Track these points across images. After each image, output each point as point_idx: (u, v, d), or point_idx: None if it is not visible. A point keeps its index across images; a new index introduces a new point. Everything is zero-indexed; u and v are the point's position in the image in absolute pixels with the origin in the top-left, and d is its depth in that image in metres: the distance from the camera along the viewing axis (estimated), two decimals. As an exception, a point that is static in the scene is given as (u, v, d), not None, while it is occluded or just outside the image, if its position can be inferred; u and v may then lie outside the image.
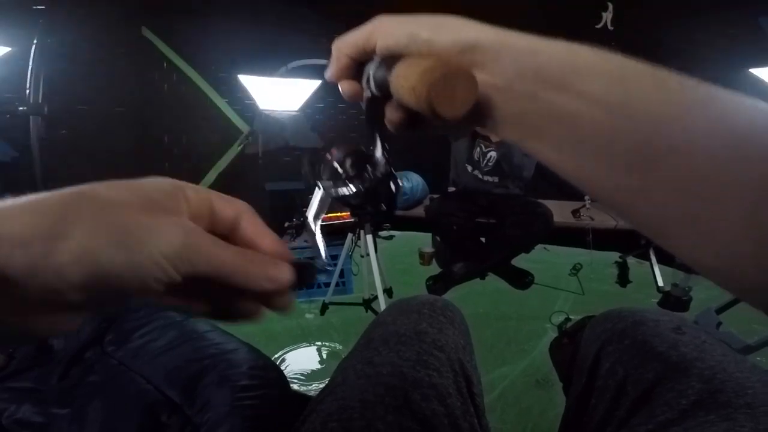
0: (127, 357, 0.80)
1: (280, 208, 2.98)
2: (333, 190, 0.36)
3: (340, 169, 0.38)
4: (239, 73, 2.83)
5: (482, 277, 2.40)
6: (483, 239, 2.35)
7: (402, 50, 0.28)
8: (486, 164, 2.32)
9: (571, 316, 1.91)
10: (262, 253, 0.26)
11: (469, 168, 2.38)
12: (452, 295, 2.24)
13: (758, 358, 1.62)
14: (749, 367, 0.46)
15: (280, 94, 2.96)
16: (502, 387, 1.58)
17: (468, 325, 0.68)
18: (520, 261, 2.34)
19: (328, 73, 0.34)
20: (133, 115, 2.49)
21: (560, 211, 2.34)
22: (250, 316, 0.27)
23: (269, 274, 0.25)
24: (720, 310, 1.83)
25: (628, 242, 2.56)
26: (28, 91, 1.80)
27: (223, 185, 2.87)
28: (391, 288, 2.18)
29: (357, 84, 0.33)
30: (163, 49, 2.54)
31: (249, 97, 2.91)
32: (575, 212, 2.39)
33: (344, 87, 0.34)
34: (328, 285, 2.19)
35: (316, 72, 2.92)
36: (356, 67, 0.33)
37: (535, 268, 2.34)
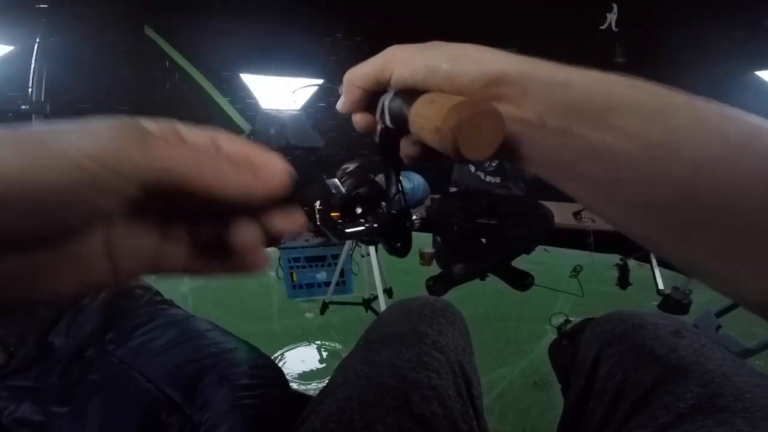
0: (128, 355, 0.81)
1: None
2: (340, 226, 0.33)
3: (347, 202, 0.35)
4: (241, 72, 2.84)
5: (482, 278, 2.40)
6: (483, 240, 2.34)
7: (419, 83, 0.26)
8: (489, 165, 2.32)
9: (570, 318, 1.91)
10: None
11: (472, 168, 2.38)
12: (452, 295, 2.24)
13: (757, 362, 1.62)
14: (748, 371, 0.46)
15: (281, 93, 2.97)
16: (500, 388, 1.58)
17: (468, 326, 0.68)
18: (520, 262, 2.34)
19: (340, 106, 0.33)
20: (136, 114, 2.46)
21: (561, 213, 2.34)
22: (249, 255, 0.24)
23: (255, 168, 0.21)
24: (720, 314, 1.83)
25: (628, 244, 2.56)
26: (30, 90, 1.80)
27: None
28: (391, 288, 2.19)
29: (371, 116, 0.32)
30: (166, 48, 2.54)
31: (251, 96, 2.91)
32: (576, 214, 2.39)
33: (357, 119, 0.33)
34: (328, 284, 2.19)
35: (318, 72, 2.92)
36: (369, 99, 0.31)
37: (535, 270, 2.34)
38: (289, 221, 0.25)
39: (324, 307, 2.13)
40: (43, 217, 0.17)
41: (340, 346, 1.88)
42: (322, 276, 2.35)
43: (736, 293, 0.21)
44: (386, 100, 0.29)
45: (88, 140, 0.17)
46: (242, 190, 0.21)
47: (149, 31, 2.47)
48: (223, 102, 2.81)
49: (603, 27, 2.64)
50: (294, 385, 1.59)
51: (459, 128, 0.23)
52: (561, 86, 0.23)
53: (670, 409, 0.44)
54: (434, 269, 2.60)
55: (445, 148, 0.24)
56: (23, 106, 1.79)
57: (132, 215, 0.20)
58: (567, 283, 2.47)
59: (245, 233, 0.23)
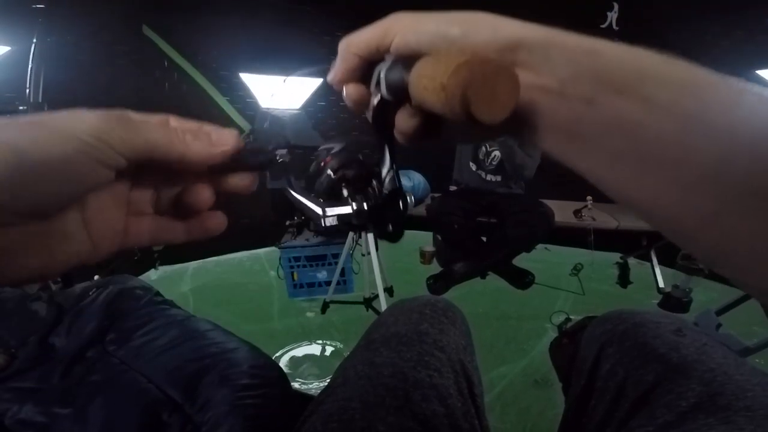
0: (129, 356, 0.81)
1: (281, 207, 2.98)
2: (328, 208, 0.32)
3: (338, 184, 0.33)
4: (240, 72, 2.83)
5: (483, 277, 2.40)
6: (484, 238, 2.34)
7: (424, 49, 0.24)
8: (490, 163, 2.32)
9: (571, 317, 1.91)
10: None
11: (473, 167, 2.38)
12: (453, 294, 2.24)
13: (757, 360, 1.62)
14: (749, 370, 0.46)
15: (281, 93, 2.96)
16: (501, 386, 1.58)
17: (468, 324, 0.68)
18: (520, 260, 2.34)
19: (332, 75, 0.30)
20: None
21: (562, 211, 2.34)
22: (205, 216, 0.30)
23: (210, 137, 0.27)
24: (720, 312, 1.83)
25: (629, 243, 2.56)
26: (28, 91, 1.80)
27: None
28: (391, 287, 2.19)
29: (364, 88, 0.30)
30: (164, 48, 2.53)
31: (250, 96, 2.91)
32: (577, 212, 2.39)
33: (350, 91, 0.30)
34: (328, 284, 2.19)
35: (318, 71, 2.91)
36: (365, 69, 0.29)
37: (535, 268, 2.34)
38: (240, 179, 0.30)
39: (325, 307, 2.14)
40: (50, 186, 0.21)
41: (341, 346, 1.88)
42: (322, 275, 2.35)
43: (759, 286, 0.20)
44: (383, 69, 0.27)
45: (86, 123, 0.21)
46: (202, 153, 0.26)
47: (147, 31, 2.46)
48: (222, 101, 2.80)
49: (603, 26, 2.64)
50: (295, 385, 1.59)
51: (469, 84, 0.20)
52: (586, 54, 0.22)
53: (672, 408, 0.44)
54: (435, 268, 2.60)
55: (452, 108, 0.21)
56: (21, 107, 1.79)
57: (110, 188, 0.25)
58: (567, 281, 2.47)
59: (200, 193, 0.29)
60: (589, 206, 2.40)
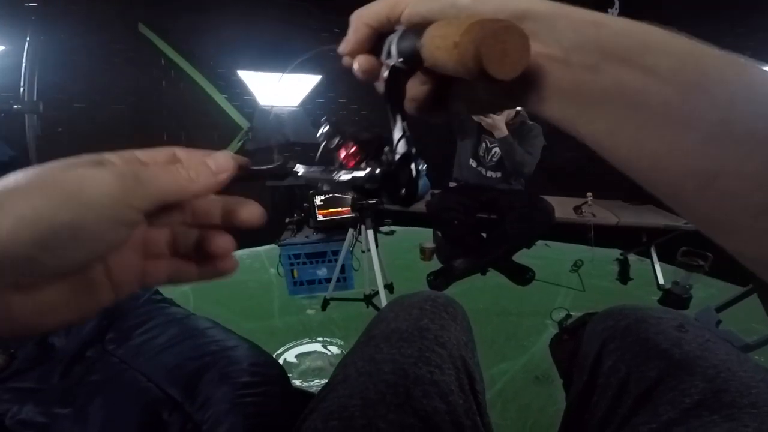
0: (128, 355, 0.80)
1: (280, 204, 2.98)
2: (343, 172, 0.33)
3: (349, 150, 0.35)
4: (238, 69, 2.82)
5: (483, 273, 2.40)
6: (484, 235, 2.34)
7: (435, 18, 0.25)
8: (490, 160, 2.32)
9: (571, 313, 1.91)
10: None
11: (474, 164, 2.37)
12: (453, 290, 2.24)
13: (757, 357, 1.62)
14: (753, 366, 0.46)
15: (279, 90, 2.95)
16: (502, 383, 1.59)
17: (469, 320, 0.68)
18: (521, 257, 2.34)
19: (343, 46, 0.31)
20: (131, 113, 2.48)
21: (562, 207, 2.33)
22: (221, 260, 0.31)
23: (208, 163, 0.27)
24: (719, 309, 1.83)
25: (629, 239, 2.56)
26: (22, 90, 1.79)
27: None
28: (392, 283, 2.19)
29: (375, 59, 0.31)
30: (161, 46, 2.52)
31: (248, 93, 2.90)
32: (577, 208, 2.39)
33: (361, 61, 0.31)
34: (329, 281, 2.19)
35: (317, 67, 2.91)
36: (376, 41, 0.30)
37: (536, 264, 2.34)
38: (249, 213, 0.31)
39: (325, 304, 2.14)
40: (76, 249, 0.22)
41: (342, 343, 1.88)
42: (322, 272, 2.35)
43: (756, 252, 0.20)
44: (395, 38, 0.28)
45: (103, 187, 0.22)
46: (209, 185, 0.27)
47: (143, 29, 2.44)
48: (220, 99, 2.79)
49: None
50: (295, 383, 1.59)
51: (482, 41, 0.21)
52: (591, 24, 0.23)
53: (675, 405, 0.44)
54: (435, 264, 2.60)
55: (465, 66, 0.22)
56: (15, 106, 1.78)
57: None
58: (567, 277, 2.47)
59: (219, 240, 0.30)
60: (589, 202, 2.40)
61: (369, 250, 1.90)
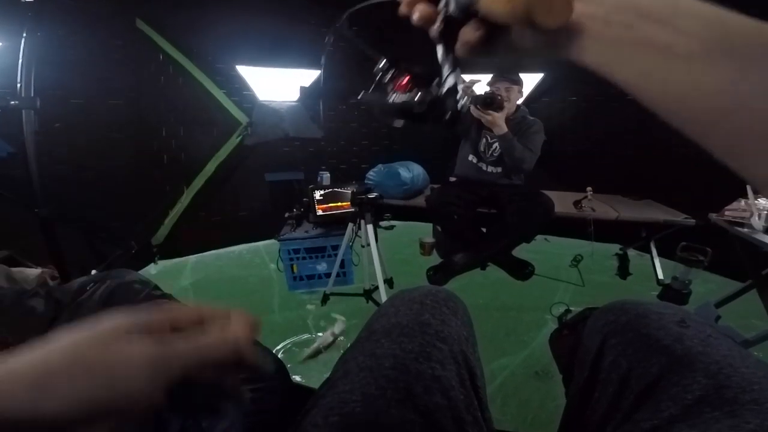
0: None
1: (279, 199, 2.97)
2: (395, 96, 0.40)
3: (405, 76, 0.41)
4: (237, 64, 2.80)
5: (483, 268, 2.40)
6: (483, 229, 2.34)
7: None
8: (491, 155, 2.31)
9: (571, 308, 1.91)
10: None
11: (474, 159, 2.37)
12: (452, 285, 2.24)
13: (756, 353, 1.62)
14: (755, 362, 0.45)
15: (278, 85, 2.94)
16: (502, 378, 1.59)
17: (470, 315, 0.67)
18: (520, 251, 2.34)
19: None
20: (129, 108, 2.46)
21: (562, 202, 2.33)
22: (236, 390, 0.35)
23: (225, 337, 0.31)
24: (719, 304, 1.84)
25: (628, 234, 2.56)
26: (19, 86, 1.78)
27: (222, 176, 2.86)
28: (391, 278, 2.19)
29: (432, 8, 0.35)
30: (159, 41, 2.50)
31: (247, 88, 2.88)
32: (577, 203, 2.38)
33: (420, 10, 0.35)
34: (328, 276, 2.19)
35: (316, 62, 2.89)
36: None
37: (535, 259, 2.35)
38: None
39: (325, 299, 2.14)
40: (105, 415, 0.26)
41: (342, 338, 1.88)
42: (322, 267, 2.34)
43: None
44: None
45: (137, 371, 0.27)
46: (227, 355, 0.31)
47: (141, 25, 2.42)
48: (218, 94, 2.77)
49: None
50: (296, 378, 1.60)
51: None
52: None
53: (677, 401, 0.43)
54: (435, 259, 2.60)
55: (516, 16, 0.27)
56: (12, 102, 1.77)
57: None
58: (567, 272, 2.47)
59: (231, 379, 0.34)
60: (589, 197, 2.40)
61: (369, 244, 1.90)
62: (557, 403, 1.29)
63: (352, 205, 1.96)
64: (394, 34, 1.55)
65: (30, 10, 1.78)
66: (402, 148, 3.34)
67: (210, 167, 2.82)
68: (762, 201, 1.60)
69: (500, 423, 1.38)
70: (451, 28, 0.35)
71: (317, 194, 2.38)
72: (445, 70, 0.37)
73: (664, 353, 0.49)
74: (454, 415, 0.47)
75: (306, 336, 1.91)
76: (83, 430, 0.25)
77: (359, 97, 0.44)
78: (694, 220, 2.16)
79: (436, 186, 2.69)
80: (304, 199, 2.51)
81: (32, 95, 1.81)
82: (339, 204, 2.39)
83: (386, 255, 2.13)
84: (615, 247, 2.71)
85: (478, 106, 2.07)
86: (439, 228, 2.65)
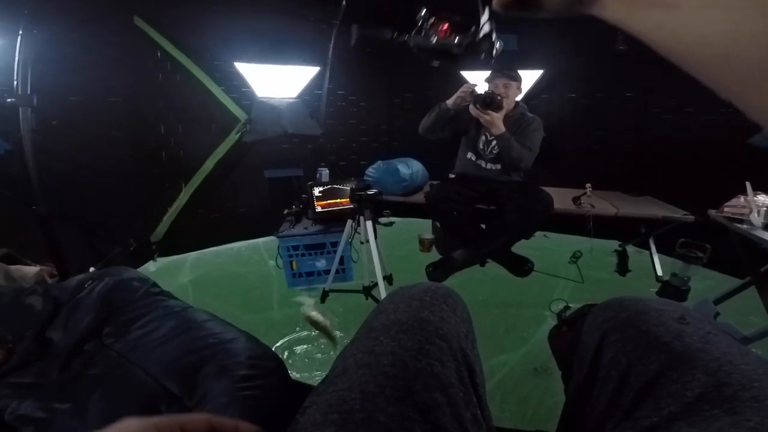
0: (126, 349, 0.80)
1: (279, 195, 2.97)
2: (435, 37, 0.45)
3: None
4: (235, 61, 2.79)
5: (482, 264, 2.40)
6: (483, 225, 2.34)
7: None
8: (490, 152, 2.31)
9: (570, 304, 1.91)
10: None
11: (473, 157, 2.36)
12: (452, 282, 2.24)
13: (754, 350, 1.63)
14: (755, 359, 0.45)
15: (277, 82, 2.92)
16: (501, 374, 1.59)
17: (469, 311, 0.67)
18: (520, 248, 2.34)
19: None
20: (128, 106, 2.44)
21: (561, 198, 2.33)
22: None
23: None
24: (718, 301, 1.84)
25: (628, 231, 2.56)
26: (15, 83, 1.77)
27: (221, 173, 2.85)
28: (391, 275, 2.19)
29: None
30: (157, 38, 2.49)
31: (246, 85, 2.87)
32: (576, 199, 2.38)
33: None
34: (327, 272, 2.19)
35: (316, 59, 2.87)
36: None
37: (534, 256, 2.35)
38: None
39: (324, 295, 2.14)
40: None
41: (341, 334, 1.88)
42: (321, 264, 2.34)
43: None
44: None
45: None
46: None
47: (139, 22, 2.40)
48: (217, 91, 2.76)
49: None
50: (294, 375, 1.60)
51: None
52: None
53: (677, 398, 0.43)
54: (434, 255, 2.60)
55: None
56: (9, 100, 1.76)
57: None
58: (566, 269, 2.47)
59: None
60: (588, 193, 2.39)
61: (368, 241, 1.89)
62: (556, 400, 1.29)
63: (351, 201, 1.95)
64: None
65: (27, 7, 1.77)
66: (401, 144, 3.33)
67: (209, 164, 2.82)
68: (761, 197, 1.60)
69: (499, 420, 1.38)
70: None
71: (316, 191, 2.37)
72: (483, 18, 0.43)
73: (664, 350, 0.49)
74: (453, 412, 0.47)
75: (305, 333, 1.91)
76: None
77: (405, 39, 0.51)
78: (693, 217, 2.16)
79: (435, 182, 2.69)
80: (303, 196, 2.50)
81: (29, 93, 1.80)
82: (338, 201, 2.39)
83: (385, 251, 2.13)
84: (614, 244, 2.71)
85: (478, 106, 2.06)
86: (438, 224, 2.64)
